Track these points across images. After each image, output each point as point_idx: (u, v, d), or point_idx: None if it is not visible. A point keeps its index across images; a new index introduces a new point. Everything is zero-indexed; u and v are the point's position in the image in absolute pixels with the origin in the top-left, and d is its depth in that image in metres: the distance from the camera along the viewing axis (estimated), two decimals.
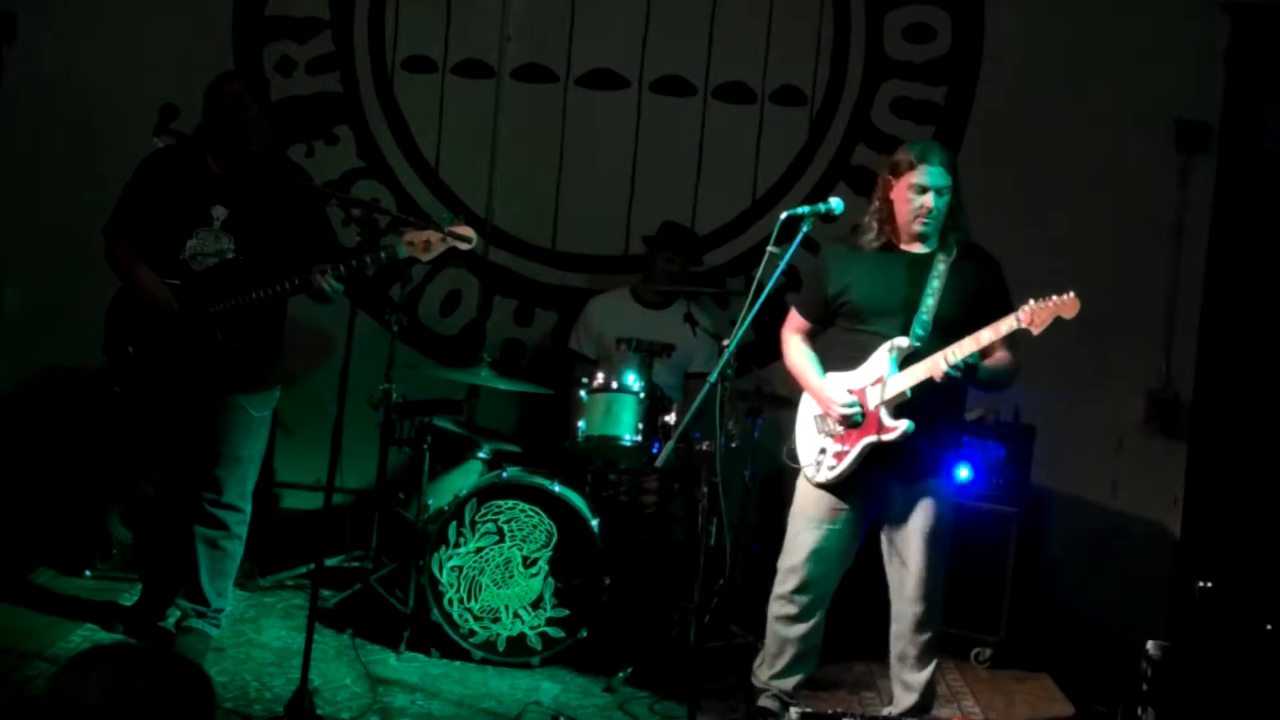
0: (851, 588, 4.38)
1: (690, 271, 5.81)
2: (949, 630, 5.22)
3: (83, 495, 5.43)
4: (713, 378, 3.88)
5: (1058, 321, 3.81)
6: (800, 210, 4.01)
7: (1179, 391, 5.94)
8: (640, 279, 5.81)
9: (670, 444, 4.04)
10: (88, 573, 5.22)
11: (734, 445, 4.99)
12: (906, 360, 4.04)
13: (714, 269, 6.12)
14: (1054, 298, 3.84)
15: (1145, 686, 4.35)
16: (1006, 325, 3.88)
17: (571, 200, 6.20)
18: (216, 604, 4.62)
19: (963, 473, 5.42)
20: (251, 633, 4.91)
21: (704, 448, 5.00)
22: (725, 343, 4.06)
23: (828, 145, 6.06)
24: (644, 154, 6.17)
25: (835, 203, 4.06)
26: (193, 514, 4.55)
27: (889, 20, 6.06)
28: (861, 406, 4.09)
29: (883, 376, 4.06)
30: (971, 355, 3.92)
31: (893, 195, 4.14)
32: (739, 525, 4.74)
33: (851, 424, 4.11)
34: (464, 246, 4.38)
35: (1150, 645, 4.37)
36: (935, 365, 3.95)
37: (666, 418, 5.17)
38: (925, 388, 4.01)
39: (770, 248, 3.90)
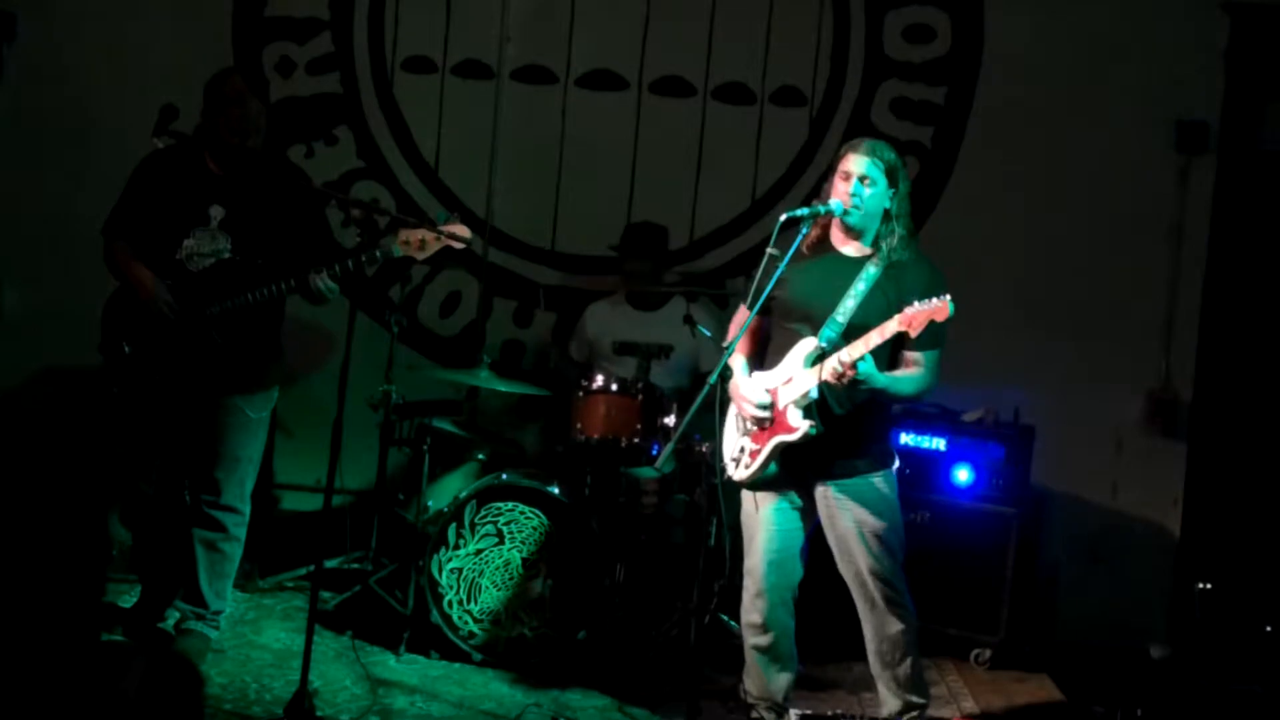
0: (847, 587, 4.37)
1: (665, 266, 5.80)
2: (948, 630, 5.24)
3: (82, 495, 5.43)
4: (712, 379, 3.88)
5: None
6: (800, 211, 4.02)
7: (1179, 391, 5.93)
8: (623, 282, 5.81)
9: (670, 445, 4.04)
10: None
11: None
12: (819, 362, 4.00)
13: (714, 269, 6.12)
14: (932, 301, 3.80)
15: (1145, 687, 4.36)
16: (889, 329, 3.85)
17: (571, 200, 6.20)
18: (215, 606, 4.63)
19: (962, 474, 5.43)
20: (251, 634, 4.91)
21: (703, 449, 5.00)
22: (725, 344, 4.06)
23: (827, 146, 6.04)
24: (644, 154, 6.16)
25: (835, 204, 4.07)
26: (191, 516, 4.55)
27: (889, 20, 6.05)
28: (773, 405, 4.09)
29: (793, 376, 4.05)
30: (866, 360, 3.87)
31: (830, 188, 4.11)
32: (738, 525, 4.73)
33: (760, 422, 4.11)
34: (459, 245, 4.39)
35: (1150, 646, 4.38)
36: (829, 368, 3.93)
37: (665, 419, 5.18)
38: (838, 389, 3.99)
39: (770, 249, 3.90)
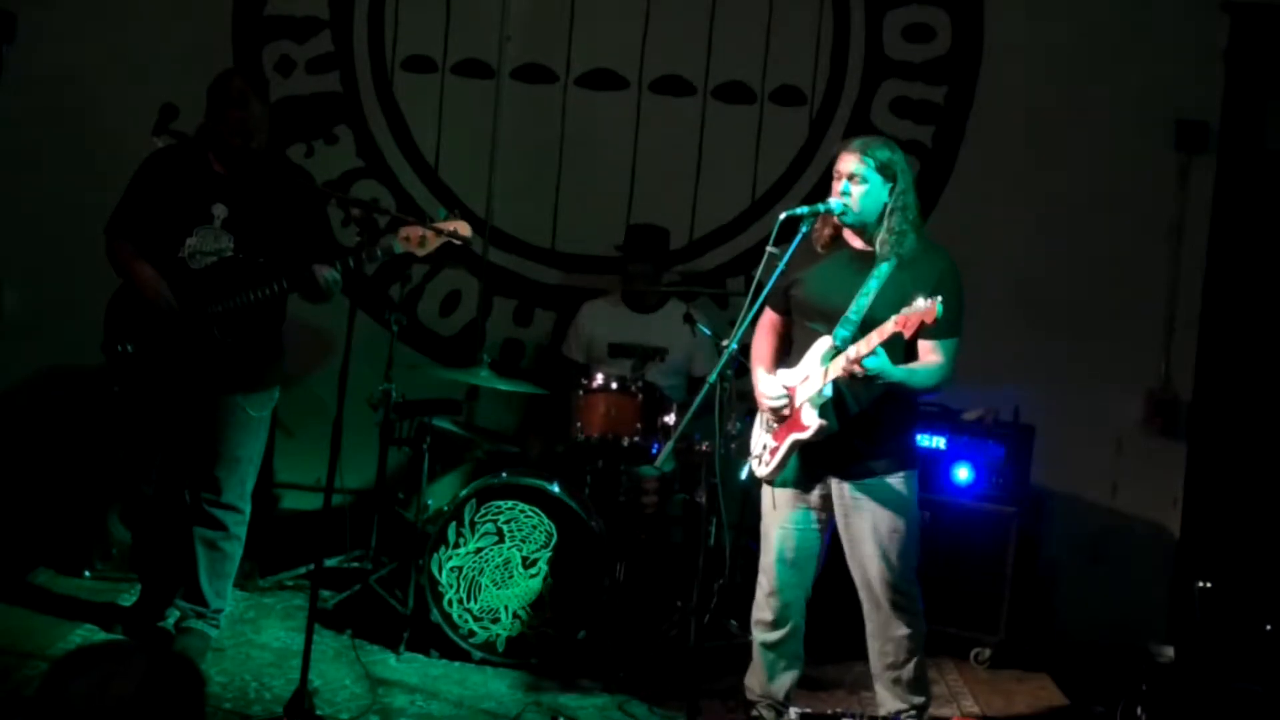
0: (850, 587, 4.37)
1: (666, 268, 5.80)
2: (948, 630, 5.24)
3: (83, 495, 5.43)
4: (712, 378, 3.88)
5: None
6: (799, 210, 4.01)
7: (1179, 391, 5.94)
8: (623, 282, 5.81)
9: (670, 444, 4.04)
10: (87, 573, 5.22)
11: (734, 446, 4.99)
12: (834, 359, 3.99)
13: (714, 269, 6.12)
14: (920, 303, 3.75)
15: (1145, 686, 4.35)
16: (886, 329, 3.82)
17: (571, 200, 6.20)
18: (215, 604, 4.63)
19: (962, 473, 5.43)
20: (251, 633, 4.91)
21: (703, 448, 5.00)
22: (725, 343, 4.07)
23: (827, 145, 6.03)
24: (644, 154, 6.17)
25: (834, 203, 4.07)
26: (192, 514, 4.55)
27: (888, 20, 6.06)
28: (790, 402, 4.09)
29: (810, 374, 4.05)
30: (876, 355, 3.83)
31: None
32: (738, 525, 4.73)
33: (780, 419, 4.11)
34: (459, 241, 4.39)
35: (1150, 645, 4.38)
36: (839, 365, 3.92)
37: (666, 418, 5.18)
38: (856, 386, 3.99)
39: (769, 248, 3.90)
